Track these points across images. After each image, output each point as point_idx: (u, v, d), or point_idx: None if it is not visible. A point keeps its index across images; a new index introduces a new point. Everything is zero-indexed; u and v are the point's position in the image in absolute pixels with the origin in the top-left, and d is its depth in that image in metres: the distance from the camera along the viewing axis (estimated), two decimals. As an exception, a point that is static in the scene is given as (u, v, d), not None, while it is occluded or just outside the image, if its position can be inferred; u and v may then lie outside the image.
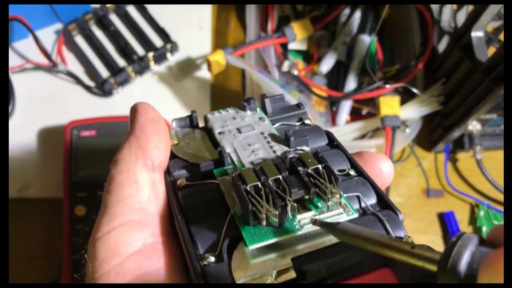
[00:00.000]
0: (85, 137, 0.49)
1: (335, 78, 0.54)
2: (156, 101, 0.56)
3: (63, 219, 0.46)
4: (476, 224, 0.51)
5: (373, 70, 0.53)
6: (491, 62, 0.43)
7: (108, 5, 0.58)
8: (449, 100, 0.50)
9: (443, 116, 0.52)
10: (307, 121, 0.25)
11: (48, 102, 0.55)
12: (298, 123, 0.26)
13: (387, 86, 0.50)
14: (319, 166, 0.20)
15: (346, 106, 0.52)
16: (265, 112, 0.26)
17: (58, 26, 0.59)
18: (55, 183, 0.51)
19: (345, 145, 0.51)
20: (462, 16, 0.49)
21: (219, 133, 0.24)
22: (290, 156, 0.21)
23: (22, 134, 0.53)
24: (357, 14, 0.56)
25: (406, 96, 0.51)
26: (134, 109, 0.24)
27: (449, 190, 0.53)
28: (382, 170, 0.24)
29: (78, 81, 0.56)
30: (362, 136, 0.52)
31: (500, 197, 0.53)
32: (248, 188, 0.19)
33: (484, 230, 0.50)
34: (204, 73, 0.57)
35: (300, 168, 0.20)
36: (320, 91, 0.52)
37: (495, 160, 0.54)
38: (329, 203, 0.19)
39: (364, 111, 0.53)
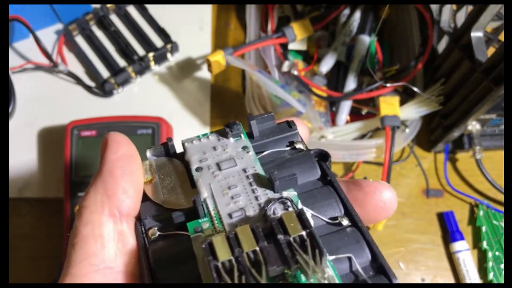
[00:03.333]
0: (86, 137, 0.49)
1: (335, 78, 0.55)
2: (156, 101, 0.57)
3: (64, 219, 0.46)
4: (475, 224, 0.51)
5: (373, 70, 0.53)
6: (491, 62, 0.43)
7: (109, 5, 0.58)
8: (449, 100, 0.50)
9: (443, 116, 0.52)
10: (298, 146, 0.23)
11: (49, 102, 0.55)
12: (288, 148, 0.23)
13: (388, 85, 0.50)
14: (303, 233, 0.17)
15: (346, 106, 0.52)
16: (252, 136, 0.23)
17: (59, 26, 0.59)
18: (56, 183, 0.51)
19: (345, 145, 0.51)
20: (461, 16, 0.49)
21: (197, 169, 0.22)
22: (269, 214, 0.19)
23: (23, 134, 0.53)
24: (357, 15, 0.56)
25: (405, 96, 0.51)
26: (104, 143, 0.21)
27: (448, 190, 0.53)
28: (386, 203, 0.21)
29: (78, 81, 0.56)
30: (362, 136, 0.52)
31: (500, 197, 0.53)
32: (219, 264, 0.17)
33: (483, 230, 0.51)
34: (204, 73, 0.57)
35: (281, 237, 0.17)
36: (320, 91, 0.52)
37: (494, 160, 0.54)
38: (311, 280, 0.17)
39: (364, 111, 0.53)
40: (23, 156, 0.52)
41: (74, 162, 0.48)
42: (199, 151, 0.23)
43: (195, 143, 0.23)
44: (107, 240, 0.19)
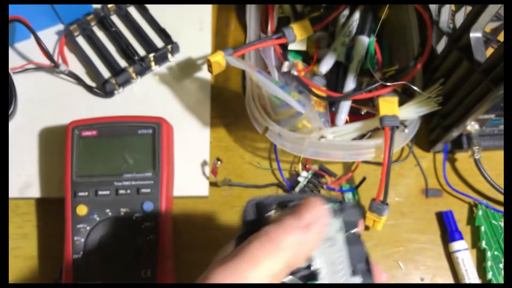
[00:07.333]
0: (87, 137, 0.49)
1: (335, 79, 0.55)
2: (157, 102, 0.57)
3: (65, 218, 0.47)
4: (474, 224, 0.51)
5: (373, 70, 0.53)
6: (490, 62, 0.43)
7: (109, 6, 0.58)
8: (448, 101, 0.50)
9: (442, 116, 0.52)
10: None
11: (50, 102, 0.55)
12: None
13: (388, 84, 0.50)
14: None
15: (345, 106, 0.52)
16: None
17: (60, 27, 0.59)
18: (57, 183, 0.51)
19: (345, 145, 0.51)
20: (460, 17, 0.49)
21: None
22: None
23: (24, 134, 0.53)
24: (356, 15, 0.56)
25: (404, 97, 0.52)
26: None
27: (447, 190, 0.54)
28: None
29: (79, 81, 0.56)
30: (361, 136, 0.52)
31: (499, 196, 0.53)
32: None
33: (482, 229, 0.51)
34: (204, 73, 0.58)
35: None
36: (319, 92, 0.52)
37: (493, 160, 0.54)
38: None
39: (363, 111, 0.53)
40: (24, 156, 0.52)
41: (75, 162, 0.48)
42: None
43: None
44: None
